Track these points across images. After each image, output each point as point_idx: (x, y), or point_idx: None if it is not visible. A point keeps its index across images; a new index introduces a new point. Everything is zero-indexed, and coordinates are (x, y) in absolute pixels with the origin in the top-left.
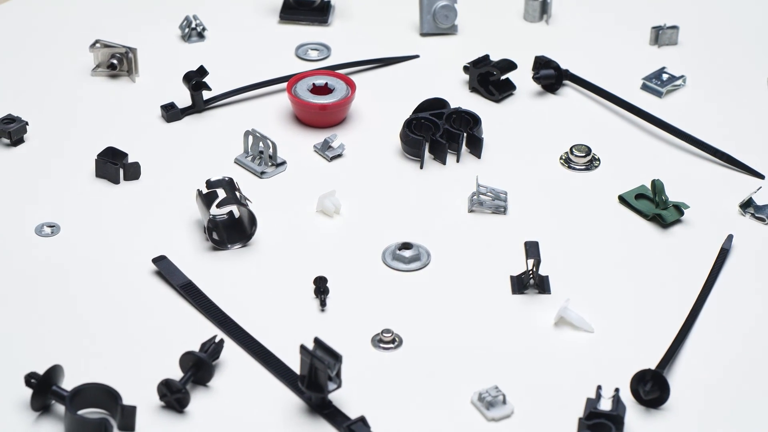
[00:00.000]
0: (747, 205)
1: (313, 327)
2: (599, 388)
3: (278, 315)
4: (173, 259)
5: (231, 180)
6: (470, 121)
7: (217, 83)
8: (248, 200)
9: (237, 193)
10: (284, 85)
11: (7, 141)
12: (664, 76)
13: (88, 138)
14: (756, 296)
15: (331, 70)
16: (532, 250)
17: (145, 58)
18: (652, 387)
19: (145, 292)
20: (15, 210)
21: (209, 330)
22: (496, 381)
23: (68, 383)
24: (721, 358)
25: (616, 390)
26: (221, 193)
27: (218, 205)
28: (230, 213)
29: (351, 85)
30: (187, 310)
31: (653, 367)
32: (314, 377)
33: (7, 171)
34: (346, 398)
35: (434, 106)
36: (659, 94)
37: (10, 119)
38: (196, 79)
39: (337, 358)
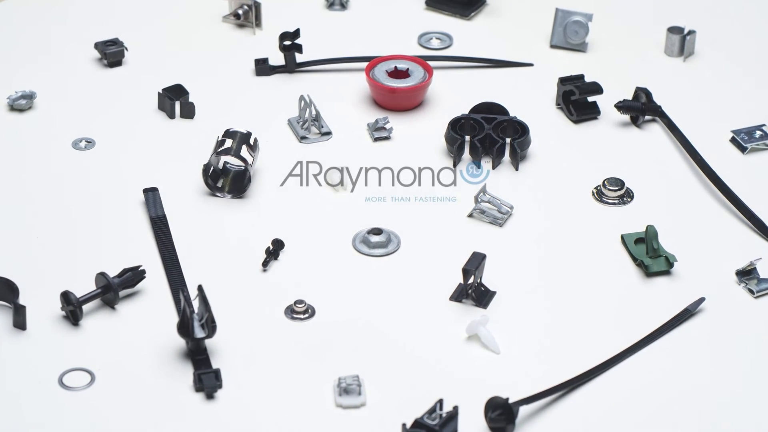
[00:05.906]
0: (747, 273)
1: (248, 285)
2: (440, 401)
3: (224, 266)
4: (172, 195)
5: (248, 134)
6: (519, 131)
7: (335, 52)
8: (253, 157)
9: (244, 147)
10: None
11: (105, 62)
12: (757, 134)
13: (177, 75)
14: (688, 372)
15: (419, 58)
16: (472, 260)
17: (281, 17)
18: (498, 416)
19: (124, 217)
20: (70, 123)
21: (155, 262)
22: (377, 374)
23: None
24: (604, 418)
25: (454, 407)
26: (228, 144)
27: (218, 154)
28: (246, 166)
29: (430, 75)
30: (150, 241)
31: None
32: (184, 321)
33: (89, 88)
34: (234, 354)
35: (491, 110)
36: (743, 150)
37: (113, 42)
38: (288, 40)
39: (207, 308)
